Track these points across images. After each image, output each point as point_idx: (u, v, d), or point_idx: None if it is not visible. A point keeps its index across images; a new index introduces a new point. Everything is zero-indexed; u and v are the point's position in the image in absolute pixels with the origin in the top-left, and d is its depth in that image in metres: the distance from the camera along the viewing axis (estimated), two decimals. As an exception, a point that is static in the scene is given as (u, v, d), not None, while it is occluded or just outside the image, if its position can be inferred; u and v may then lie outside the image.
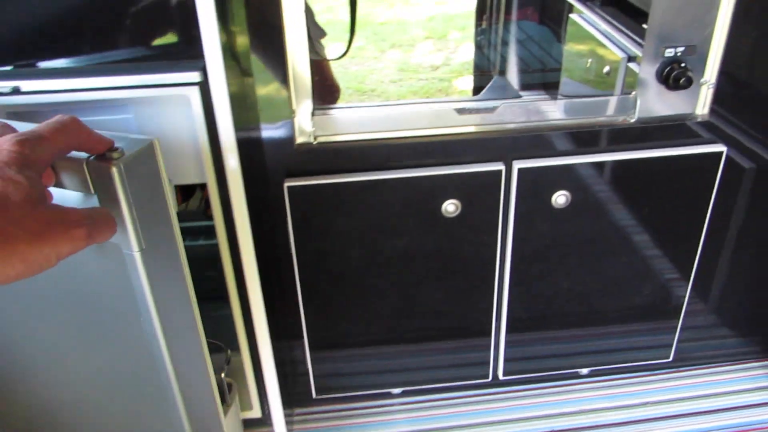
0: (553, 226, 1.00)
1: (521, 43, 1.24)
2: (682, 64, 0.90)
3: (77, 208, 0.44)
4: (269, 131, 0.90)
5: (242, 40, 0.82)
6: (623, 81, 0.96)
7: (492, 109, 0.92)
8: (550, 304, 1.10)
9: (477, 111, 0.92)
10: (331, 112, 0.93)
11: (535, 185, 0.96)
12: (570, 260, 1.05)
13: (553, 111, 0.94)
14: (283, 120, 0.89)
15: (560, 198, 0.97)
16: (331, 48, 1.05)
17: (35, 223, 0.39)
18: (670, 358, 1.23)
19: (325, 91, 1.06)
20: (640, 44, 0.91)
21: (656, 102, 0.94)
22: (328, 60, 1.08)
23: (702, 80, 0.93)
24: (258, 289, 0.87)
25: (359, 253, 0.99)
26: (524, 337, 1.15)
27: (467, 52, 1.31)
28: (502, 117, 0.93)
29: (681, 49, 0.90)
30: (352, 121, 0.92)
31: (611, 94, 0.94)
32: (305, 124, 0.90)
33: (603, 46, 0.99)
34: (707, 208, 1.03)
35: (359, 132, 0.92)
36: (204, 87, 0.73)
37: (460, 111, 0.91)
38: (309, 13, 0.86)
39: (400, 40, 1.28)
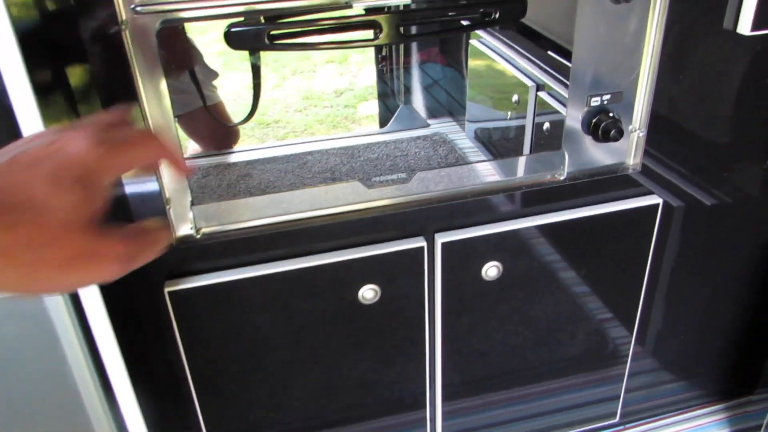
0: (485, 299, 0.89)
1: (424, 70, 1.14)
2: (611, 114, 0.81)
3: (120, 237, 0.38)
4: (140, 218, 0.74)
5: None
6: (534, 109, 0.87)
7: (406, 179, 0.79)
8: (486, 366, 0.99)
9: (388, 183, 0.79)
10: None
11: (463, 259, 0.84)
12: (507, 326, 0.94)
13: (475, 174, 0.82)
14: (154, 210, 0.73)
15: (491, 270, 0.85)
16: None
17: (67, 251, 0.35)
18: (617, 415, 1.15)
19: (220, 140, 0.90)
20: (546, 71, 0.82)
21: (585, 155, 0.84)
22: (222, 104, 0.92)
23: (631, 127, 0.84)
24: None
25: (265, 353, 0.84)
26: (462, 404, 1.02)
27: (370, 76, 1.19)
28: (418, 186, 0.81)
29: (607, 96, 0.81)
30: (244, 205, 0.77)
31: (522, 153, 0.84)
32: (184, 215, 0.74)
33: (508, 73, 0.90)
34: (646, 261, 0.95)
35: (253, 218, 0.77)
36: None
37: (369, 185, 0.78)
38: (198, 55, 0.74)
39: (300, 66, 1.14)
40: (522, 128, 0.91)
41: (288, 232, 0.77)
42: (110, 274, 0.38)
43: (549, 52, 1.00)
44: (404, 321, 0.88)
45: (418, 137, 1.15)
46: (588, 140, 0.84)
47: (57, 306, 0.63)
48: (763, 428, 1.08)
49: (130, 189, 0.71)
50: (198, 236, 0.75)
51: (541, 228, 0.85)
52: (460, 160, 1.04)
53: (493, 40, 0.99)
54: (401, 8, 0.69)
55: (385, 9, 0.66)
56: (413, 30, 0.74)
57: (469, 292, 0.87)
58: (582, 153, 0.84)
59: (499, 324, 0.95)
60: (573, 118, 0.81)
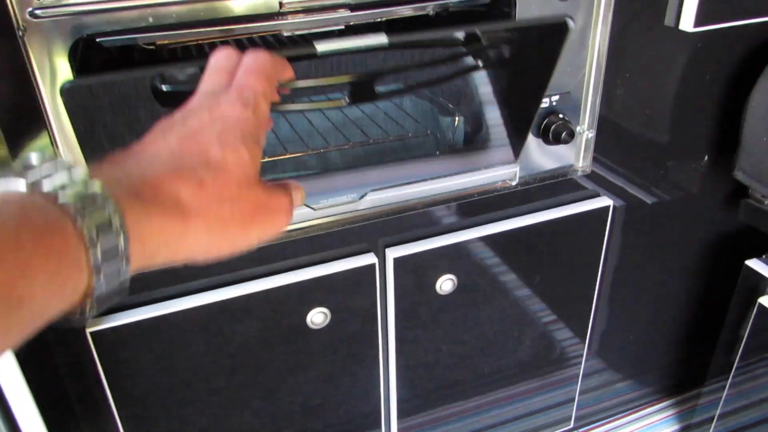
0: (440, 313, 0.84)
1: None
2: (560, 116, 0.78)
3: (281, 189, 0.38)
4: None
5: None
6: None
7: (355, 200, 0.73)
8: (441, 377, 0.95)
9: (336, 204, 0.73)
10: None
11: (416, 274, 0.79)
12: (460, 339, 0.90)
13: (423, 184, 0.78)
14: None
15: (446, 284, 0.81)
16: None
17: (249, 204, 0.35)
18: (572, 419, 1.13)
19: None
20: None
21: (535, 158, 0.81)
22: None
23: (579, 129, 0.82)
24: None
25: (200, 384, 0.76)
26: (418, 420, 0.98)
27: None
28: (368, 203, 0.75)
29: (555, 97, 0.78)
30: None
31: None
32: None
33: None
34: (599, 263, 0.93)
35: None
36: None
37: (315, 206, 0.72)
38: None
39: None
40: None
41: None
42: (283, 224, 0.38)
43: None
44: (355, 341, 0.82)
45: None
46: (537, 143, 0.81)
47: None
48: (714, 420, 1.08)
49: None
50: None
51: (496, 237, 0.82)
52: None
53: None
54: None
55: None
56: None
57: (424, 308, 0.83)
58: (532, 157, 0.81)
59: (454, 337, 0.90)
60: (521, 120, 0.78)
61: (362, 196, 0.72)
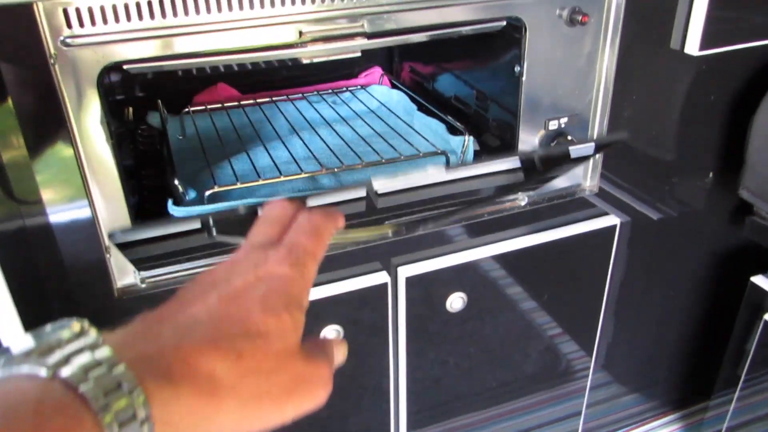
0: (449, 328, 0.86)
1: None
2: (569, 138, 0.80)
3: (322, 355, 0.35)
4: (77, 274, 0.67)
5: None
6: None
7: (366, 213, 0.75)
8: (450, 390, 0.96)
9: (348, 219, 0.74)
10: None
11: (427, 292, 0.81)
12: (470, 354, 0.92)
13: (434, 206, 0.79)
14: (92, 257, 0.66)
15: (456, 301, 0.82)
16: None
17: (287, 378, 0.32)
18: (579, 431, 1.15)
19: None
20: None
21: (544, 179, 0.83)
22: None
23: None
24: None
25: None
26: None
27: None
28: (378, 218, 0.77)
29: (564, 119, 0.80)
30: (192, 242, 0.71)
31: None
32: (126, 262, 0.67)
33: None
34: (605, 279, 0.95)
35: (205, 257, 0.71)
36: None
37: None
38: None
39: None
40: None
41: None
42: (321, 398, 0.35)
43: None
44: (366, 355, 0.84)
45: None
46: (545, 163, 0.82)
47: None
48: (721, 434, 1.09)
49: (60, 235, 0.64)
50: (143, 285, 0.69)
51: (505, 255, 0.83)
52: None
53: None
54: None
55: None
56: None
57: (434, 324, 0.84)
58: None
59: (462, 350, 0.92)
60: (529, 143, 0.80)
61: (372, 214, 0.74)
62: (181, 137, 0.93)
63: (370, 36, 0.67)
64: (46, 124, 0.60)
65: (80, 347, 0.27)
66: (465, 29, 0.71)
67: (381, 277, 0.77)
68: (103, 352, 0.27)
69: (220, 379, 0.30)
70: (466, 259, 0.81)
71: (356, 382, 0.87)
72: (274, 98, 1.05)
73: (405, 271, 0.78)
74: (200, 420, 0.29)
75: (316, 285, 0.76)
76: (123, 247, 0.64)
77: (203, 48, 0.62)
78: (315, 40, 0.65)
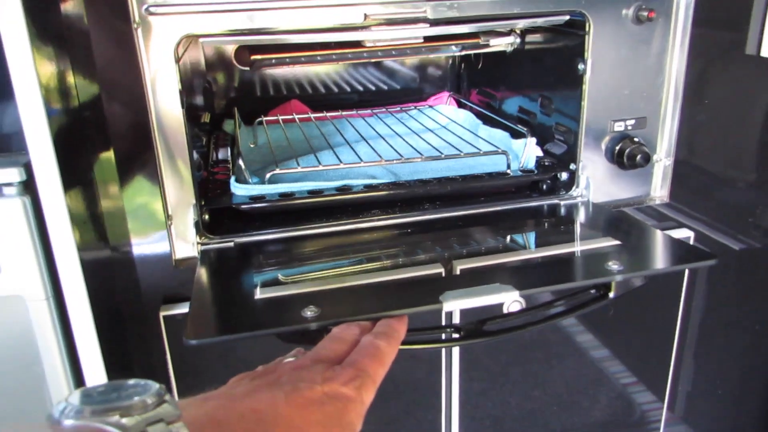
0: (509, 366, 0.83)
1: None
2: (636, 140, 0.78)
3: None
4: (141, 245, 0.69)
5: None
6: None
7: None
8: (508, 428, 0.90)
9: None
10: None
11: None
12: (523, 389, 0.87)
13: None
14: (155, 230, 0.69)
15: (513, 304, 0.79)
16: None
17: None
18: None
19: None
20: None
21: (611, 185, 0.81)
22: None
23: (656, 157, 0.81)
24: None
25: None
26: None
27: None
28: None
29: (631, 122, 0.78)
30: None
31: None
32: (185, 233, 0.70)
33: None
34: (677, 310, 0.88)
35: (267, 232, 0.72)
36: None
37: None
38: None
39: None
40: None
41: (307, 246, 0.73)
42: None
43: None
44: (420, 388, 0.81)
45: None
46: (612, 171, 0.80)
47: (41, 319, 0.58)
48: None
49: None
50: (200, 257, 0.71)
51: (566, 256, 0.80)
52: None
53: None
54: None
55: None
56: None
57: (491, 358, 0.81)
58: (606, 185, 0.80)
59: (515, 386, 0.87)
60: (594, 143, 0.78)
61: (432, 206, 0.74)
62: (252, 144, 0.97)
63: (433, 23, 0.69)
64: (126, 88, 0.64)
65: (158, 417, 0.27)
66: (526, 21, 0.72)
67: (436, 268, 0.75)
68: (179, 429, 0.27)
69: None
70: (526, 256, 0.78)
71: (410, 414, 0.84)
72: (344, 114, 1.08)
73: (460, 264, 0.76)
74: None
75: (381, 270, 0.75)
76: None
77: (274, 26, 0.65)
78: (379, 24, 0.68)
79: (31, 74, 0.53)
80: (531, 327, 0.65)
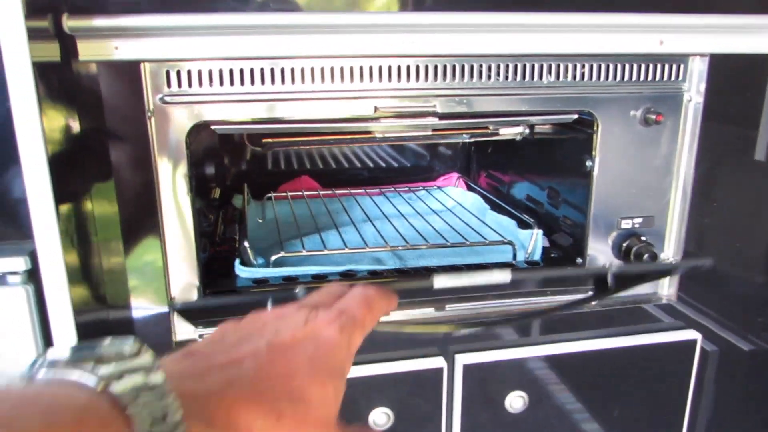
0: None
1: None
2: (643, 238, 0.78)
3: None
4: (141, 324, 0.69)
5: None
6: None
7: (431, 302, 0.74)
8: None
9: (414, 305, 0.74)
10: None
11: (485, 385, 0.76)
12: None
13: (500, 294, 0.77)
14: (157, 309, 0.68)
15: (516, 401, 0.77)
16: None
17: None
18: None
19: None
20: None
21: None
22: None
23: (664, 255, 0.80)
24: None
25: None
26: None
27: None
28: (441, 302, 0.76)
29: (638, 220, 0.78)
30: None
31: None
32: (188, 315, 0.69)
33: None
34: (685, 406, 0.86)
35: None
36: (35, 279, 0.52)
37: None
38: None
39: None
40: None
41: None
42: None
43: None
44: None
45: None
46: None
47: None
48: None
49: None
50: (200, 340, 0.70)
51: (572, 357, 0.78)
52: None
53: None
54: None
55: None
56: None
57: (491, 424, 0.79)
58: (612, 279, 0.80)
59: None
60: (601, 239, 0.78)
61: (435, 295, 0.73)
62: (260, 220, 0.97)
63: (442, 116, 0.70)
64: (136, 174, 0.65)
65: (135, 367, 0.26)
66: (534, 119, 0.73)
67: (437, 362, 0.74)
68: (157, 378, 0.26)
69: None
70: (529, 354, 0.77)
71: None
72: (352, 191, 1.09)
73: (463, 359, 0.75)
74: None
75: (368, 362, 0.74)
76: (187, 314, 0.66)
77: (287, 116, 0.67)
78: (388, 117, 0.69)
79: (44, 175, 0.54)
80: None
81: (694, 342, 0.82)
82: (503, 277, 0.60)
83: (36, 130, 0.54)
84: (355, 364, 0.73)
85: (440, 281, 0.58)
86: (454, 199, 1.05)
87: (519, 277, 0.67)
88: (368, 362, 0.74)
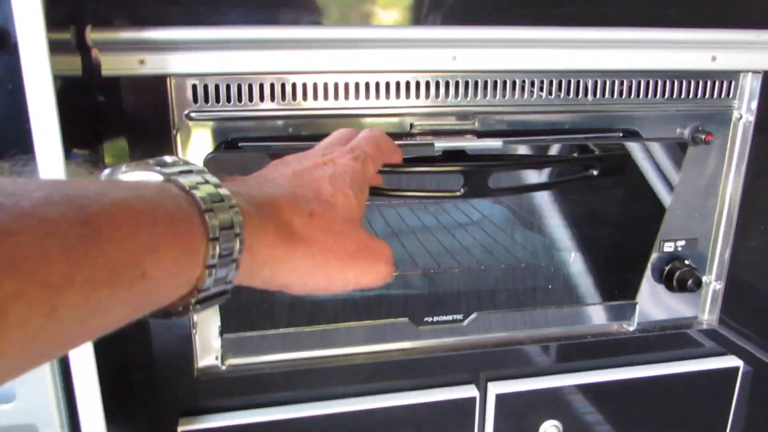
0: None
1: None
2: (686, 262, 0.74)
3: (386, 244, 0.40)
4: (161, 351, 0.65)
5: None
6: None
7: (460, 320, 0.71)
8: None
9: (440, 323, 0.71)
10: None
11: (518, 415, 0.73)
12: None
13: (535, 318, 0.74)
14: (178, 336, 0.65)
15: (550, 430, 0.74)
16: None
17: (352, 242, 0.37)
18: None
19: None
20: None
21: (656, 305, 0.76)
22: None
23: (706, 279, 0.77)
24: None
25: None
26: None
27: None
28: (473, 327, 0.72)
29: (681, 243, 0.74)
30: (281, 335, 0.69)
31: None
32: (209, 343, 0.66)
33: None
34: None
35: (289, 350, 0.68)
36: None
37: (418, 321, 0.70)
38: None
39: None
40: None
41: (331, 368, 0.69)
42: (384, 272, 0.39)
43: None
44: None
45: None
46: (659, 290, 0.76)
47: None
48: None
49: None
50: (223, 368, 0.67)
51: (609, 385, 0.75)
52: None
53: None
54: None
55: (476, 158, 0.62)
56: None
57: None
58: (652, 303, 0.76)
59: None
60: (641, 266, 0.74)
61: (467, 317, 0.70)
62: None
63: (480, 134, 0.66)
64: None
65: (192, 169, 0.31)
66: (577, 137, 0.69)
67: (469, 391, 0.71)
68: (210, 176, 0.31)
69: (296, 229, 0.34)
70: (564, 382, 0.73)
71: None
72: (375, 201, 1.05)
73: (496, 388, 0.71)
74: (276, 259, 0.33)
75: (396, 391, 0.71)
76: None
77: (314, 132, 0.63)
78: (424, 134, 0.65)
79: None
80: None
81: (736, 369, 0.79)
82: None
83: (56, 148, 0.51)
84: (385, 391, 0.71)
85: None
86: (481, 212, 1.02)
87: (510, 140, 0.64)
88: (398, 390, 0.71)
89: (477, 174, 0.58)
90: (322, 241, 0.35)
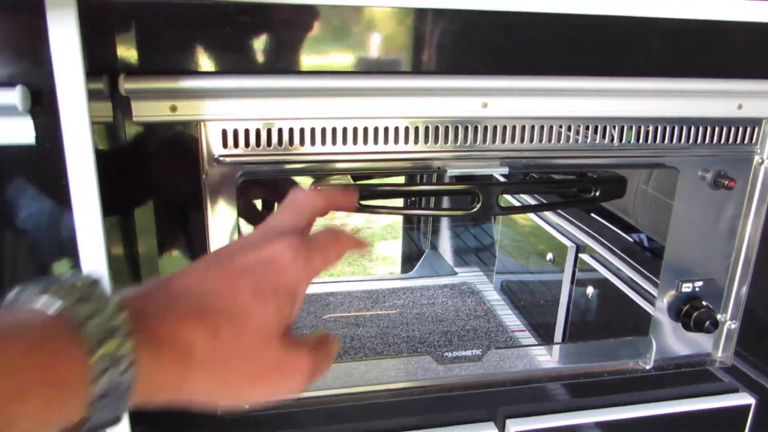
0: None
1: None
2: (704, 303, 0.75)
3: (303, 348, 0.37)
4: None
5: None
6: (573, 271, 0.85)
7: (478, 357, 0.72)
8: None
9: (458, 360, 0.71)
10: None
11: (535, 451, 0.74)
12: None
13: (552, 357, 0.75)
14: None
15: None
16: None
17: (259, 363, 0.34)
18: None
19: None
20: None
21: (672, 343, 0.77)
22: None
23: (721, 317, 0.77)
24: None
25: None
26: None
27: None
28: (490, 365, 0.73)
29: (699, 283, 0.75)
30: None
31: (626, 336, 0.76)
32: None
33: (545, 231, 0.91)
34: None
35: (311, 389, 0.68)
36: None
37: (438, 358, 0.70)
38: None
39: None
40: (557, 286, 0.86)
41: (345, 407, 0.69)
42: (297, 387, 0.36)
43: (591, 214, 0.96)
44: None
45: (445, 285, 1.09)
46: (675, 327, 0.77)
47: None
48: None
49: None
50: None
51: (626, 422, 0.76)
52: (489, 312, 0.97)
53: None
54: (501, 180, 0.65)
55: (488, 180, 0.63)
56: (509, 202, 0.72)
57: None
58: (669, 341, 0.77)
59: None
60: (661, 301, 0.75)
61: (485, 353, 0.71)
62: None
63: (508, 176, 0.67)
64: (189, 228, 0.62)
65: (91, 294, 0.30)
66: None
67: (488, 428, 0.72)
68: (111, 303, 0.30)
69: (196, 351, 0.32)
70: (581, 420, 0.74)
71: None
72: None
73: (515, 425, 0.72)
74: (174, 384, 0.32)
75: (415, 429, 0.72)
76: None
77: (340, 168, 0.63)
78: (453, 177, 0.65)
79: (99, 236, 0.51)
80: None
81: (747, 407, 0.80)
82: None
83: (93, 195, 0.51)
84: (404, 428, 0.71)
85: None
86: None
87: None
88: (416, 427, 0.72)
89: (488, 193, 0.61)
90: (223, 363, 0.33)
